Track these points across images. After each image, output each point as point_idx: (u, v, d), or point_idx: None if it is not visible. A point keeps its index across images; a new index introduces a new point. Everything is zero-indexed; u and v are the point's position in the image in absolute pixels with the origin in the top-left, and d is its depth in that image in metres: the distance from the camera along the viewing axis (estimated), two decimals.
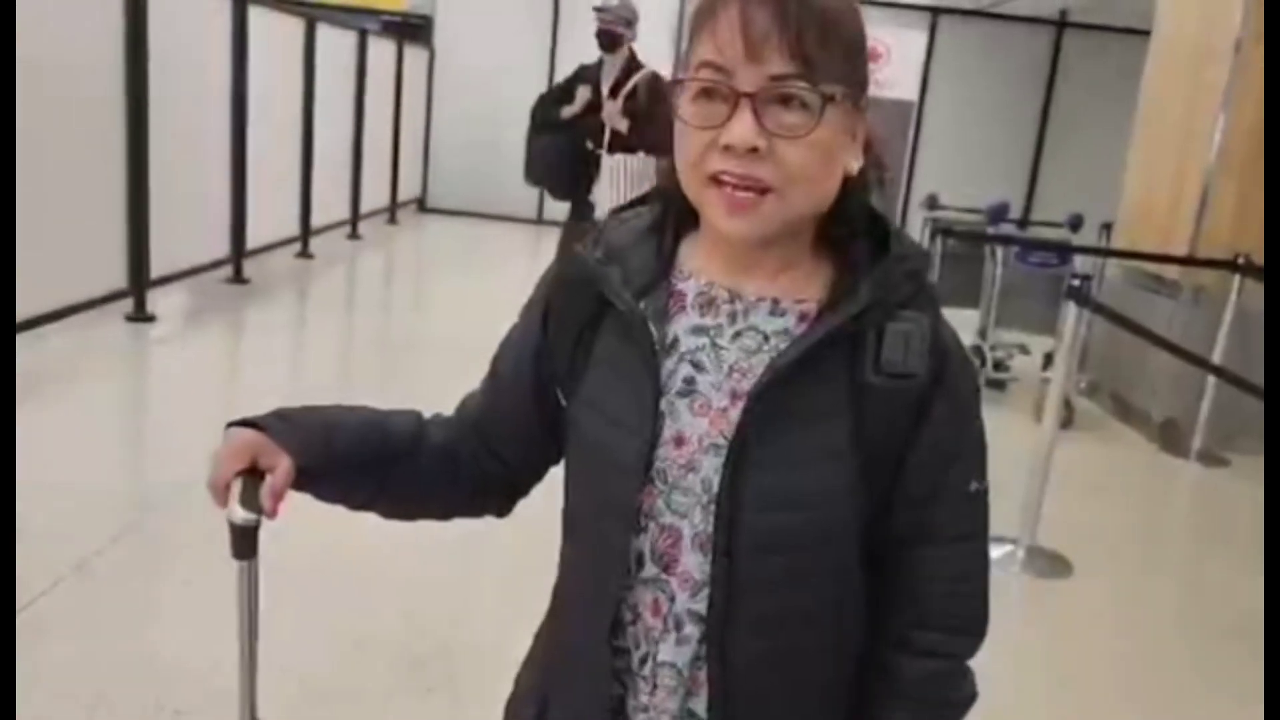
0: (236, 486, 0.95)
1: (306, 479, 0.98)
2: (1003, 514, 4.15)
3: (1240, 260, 5.15)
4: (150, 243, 5.66)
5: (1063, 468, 4.62)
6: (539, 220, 11.65)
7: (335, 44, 8.61)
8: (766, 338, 0.93)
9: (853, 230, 0.94)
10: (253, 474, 0.96)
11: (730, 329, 0.94)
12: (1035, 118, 11.61)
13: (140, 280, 5.63)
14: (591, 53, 4.92)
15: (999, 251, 5.93)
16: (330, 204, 8.73)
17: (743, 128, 0.84)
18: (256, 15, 6.78)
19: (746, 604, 0.92)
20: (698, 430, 0.93)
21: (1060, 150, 11.43)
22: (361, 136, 9.38)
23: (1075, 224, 6.33)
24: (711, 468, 0.92)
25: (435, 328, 6.65)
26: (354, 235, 9.47)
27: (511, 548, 2.47)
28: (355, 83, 9.19)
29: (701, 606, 0.93)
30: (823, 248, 0.96)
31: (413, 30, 11.42)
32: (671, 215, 0.98)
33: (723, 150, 0.86)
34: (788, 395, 0.90)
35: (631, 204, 1.04)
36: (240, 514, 0.93)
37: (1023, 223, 9.78)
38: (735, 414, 0.91)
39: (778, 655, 0.96)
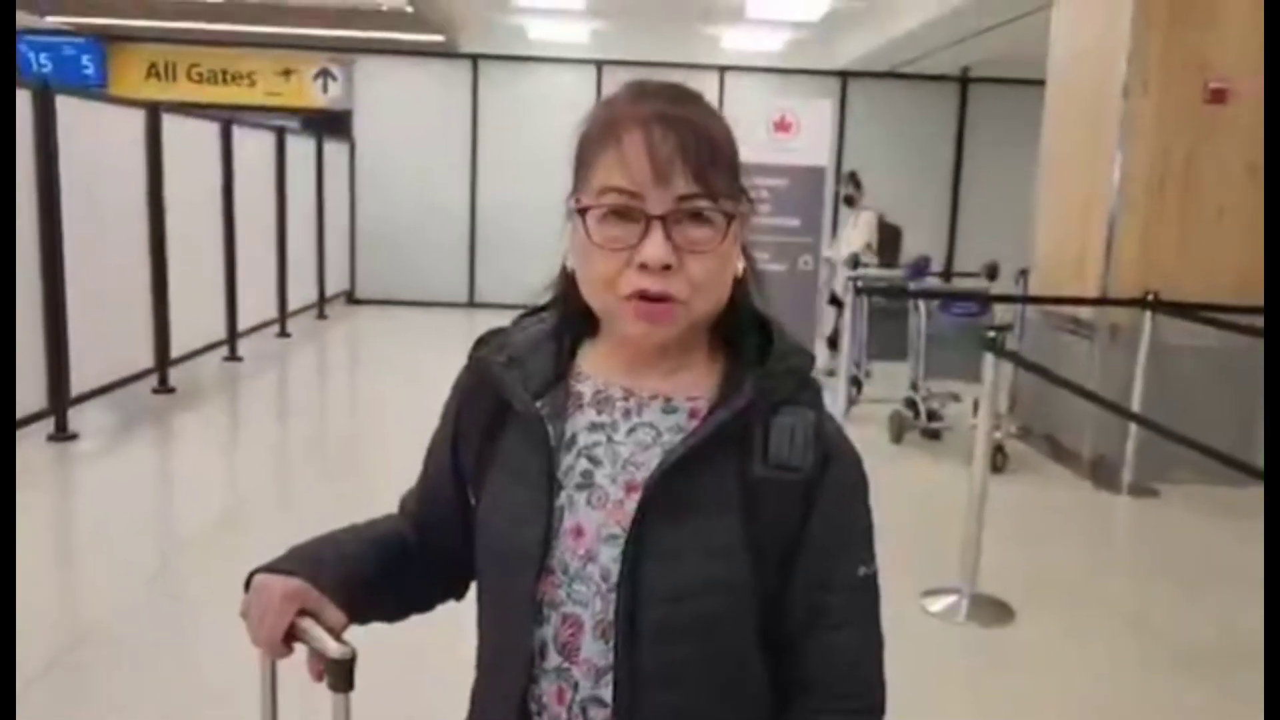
0: (310, 624, 0.96)
1: (352, 612, 1.03)
2: (945, 564, 4.19)
3: (1150, 297, 5.32)
4: (70, 359, 5.54)
5: (1000, 512, 4.67)
6: (471, 303, 11.68)
7: (253, 144, 8.62)
8: (660, 433, 0.98)
9: (742, 330, 1.00)
10: (307, 615, 0.98)
11: (625, 425, 0.99)
12: (949, 172, 11.99)
13: (61, 398, 5.50)
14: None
15: (922, 305, 6.06)
16: (257, 304, 8.65)
17: (656, 248, 0.91)
18: (170, 122, 6.77)
19: (650, 693, 0.95)
20: (595, 521, 0.96)
21: (976, 201, 11.78)
22: (285, 233, 9.35)
23: (992, 272, 6.50)
24: (609, 557, 0.95)
25: (370, 425, 6.59)
26: (283, 333, 9.37)
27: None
28: (275, 181, 9.18)
29: (605, 693, 0.96)
30: (715, 347, 1.02)
31: (332, 124, 11.49)
32: (569, 323, 1.04)
33: (638, 268, 0.91)
34: (681, 488, 0.94)
35: (533, 311, 1.08)
36: (338, 649, 0.94)
37: (946, 274, 10.05)
38: (630, 505, 0.95)
39: None
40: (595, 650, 0.96)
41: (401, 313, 11.24)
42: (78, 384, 5.65)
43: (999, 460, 5.68)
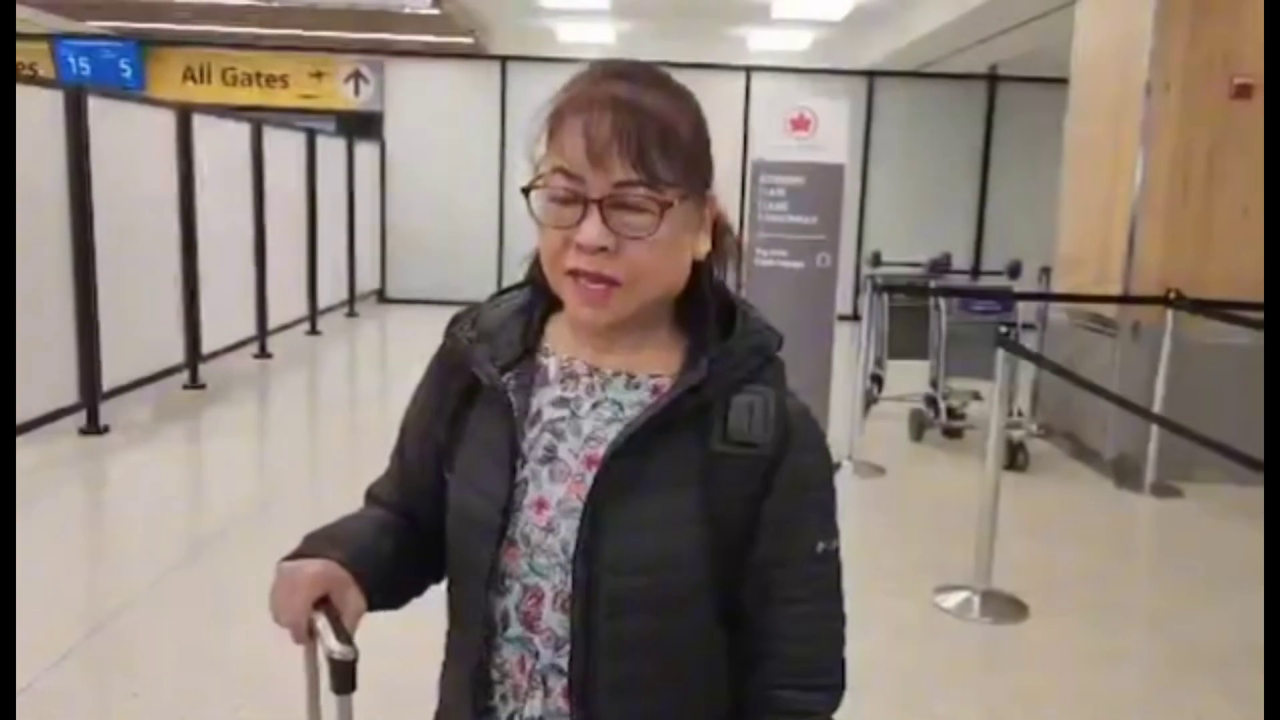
0: (322, 622, 0.95)
1: (374, 594, 1.02)
2: (961, 561, 4.18)
3: (1171, 295, 5.28)
4: (101, 354, 5.67)
5: (1020, 510, 4.68)
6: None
7: (284, 145, 8.75)
8: (622, 408, 1.00)
9: (704, 309, 1.02)
10: (327, 604, 0.97)
11: (589, 400, 1.01)
12: (976, 170, 11.91)
13: (92, 393, 5.63)
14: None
15: (943, 303, 6.05)
16: (287, 302, 8.78)
17: (591, 230, 0.93)
18: (201, 123, 6.90)
19: (607, 664, 0.97)
20: (556, 494, 0.99)
21: (1004, 200, 11.70)
22: (316, 232, 9.48)
23: (1014, 271, 6.47)
24: (569, 530, 0.97)
25: (399, 417, 6.65)
26: (313, 331, 9.50)
27: None
28: (306, 180, 9.31)
29: (565, 662, 0.98)
30: (681, 326, 1.04)
31: (364, 125, 11.63)
32: (539, 298, 1.06)
33: (576, 248, 0.94)
34: (641, 463, 0.96)
35: (508, 289, 1.10)
36: (339, 649, 0.93)
37: (974, 272, 9.98)
38: (590, 478, 0.97)
39: (642, 714, 1.00)
40: (555, 620, 0.98)
41: (431, 311, 11.22)
42: (109, 379, 5.78)
43: (1020, 459, 5.67)
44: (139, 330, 6.20)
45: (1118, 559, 4.66)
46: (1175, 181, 5.41)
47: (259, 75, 12.03)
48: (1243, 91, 5.30)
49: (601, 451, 0.98)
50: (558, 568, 0.98)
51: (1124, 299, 5.51)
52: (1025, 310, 6.40)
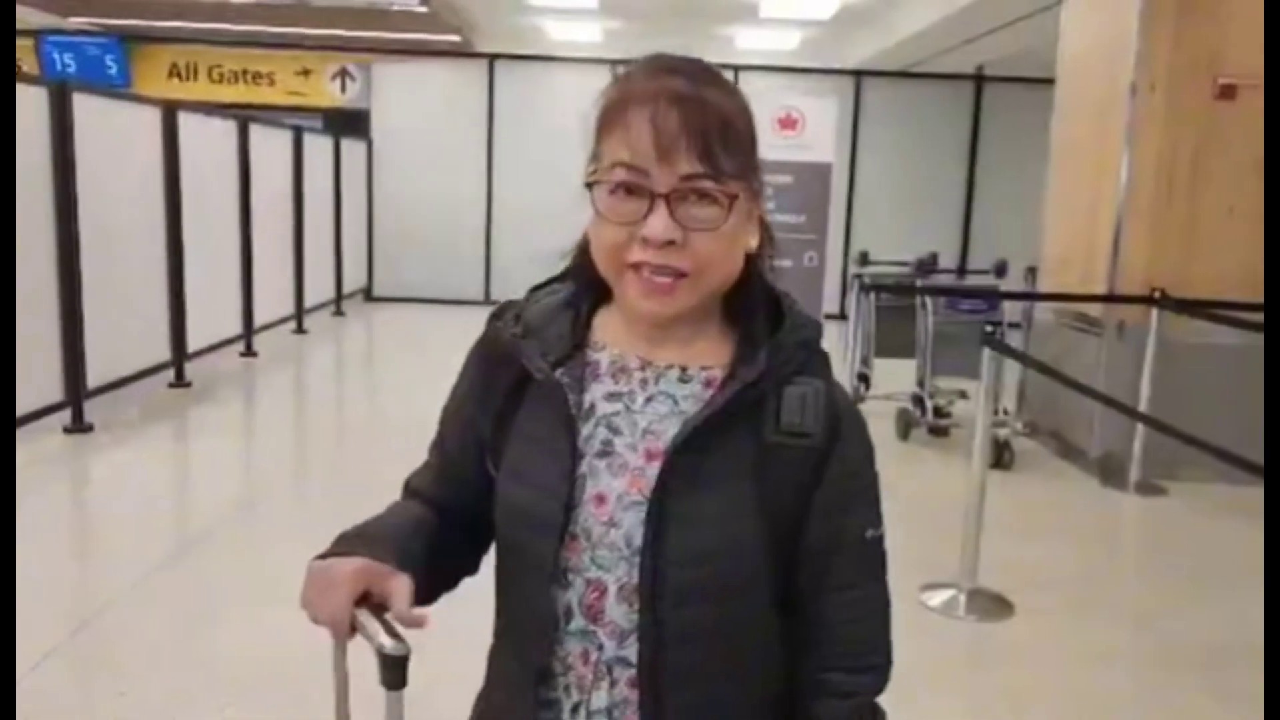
0: (367, 618, 0.94)
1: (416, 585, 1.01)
2: (947, 559, 4.20)
3: (1156, 294, 5.31)
4: (86, 351, 5.64)
5: (1006, 508, 4.69)
6: (487, 301, 11.74)
7: (270, 142, 8.71)
8: (676, 401, 1.02)
9: (753, 303, 1.04)
10: (369, 601, 0.95)
11: (642, 394, 1.03)
12: (963, 170, 11.95)
13: (77, 390, 5.59)
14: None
15: (929, 302, 6.07)
16: (273, 300, 8.75)
17: (660, 224, 0.94)
18: (186, 120, 6.87)
19: (674, 653, 0.99)
20: (616, 489, 1.00)
21: (991, 199, 11.74)
22: (302, 231, 9.45)
23: (1000, 270, 6.50)
24: (632, 523, 0.99)
25: (385, 420, 6.64)
26: (300, 330, 9.47)
27: None
28: (292, 178, 9.28)
29: (629, 653, 1.00)
30: (727, 319, 1.05)
31: (351, 123, 11.59)
32: (585, 292, 1.07)
33: (641, 242, 0.95)
34: (701, 456, 0.98)
35: (547, 282, 1.11)
36: (391, 644, 0.92)
37: (960, 272, 10.02)
38: (651, 472, 0.99)
39: (706, 701, 1.02)
40: (619, 613, 1.00)
41: (418, 310, 11.32)
42: (94, 377, 5.74)
43: (1006, 457, 5.69)
44: (124, 328, 6.16)
45: (1103, 557, 4.68)
46: (1160, 181, 5.44)
47: (245, 73, 11.98)
48: (1227, 92, 5.34)
49: (660, 445, 1.00)
50: (621, 561, 0.99)
51: (1109, 298, 5.54)
52: (1011, 309, 6.43)
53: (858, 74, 11.63)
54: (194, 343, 7.03)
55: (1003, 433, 5.71)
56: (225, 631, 3.29)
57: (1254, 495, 3.88)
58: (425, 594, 1.06)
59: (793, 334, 1.02)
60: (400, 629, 0.95)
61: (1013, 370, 5.93)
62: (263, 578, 3.89)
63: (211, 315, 7.34)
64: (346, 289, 11.01)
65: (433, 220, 11.71)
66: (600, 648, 1.01)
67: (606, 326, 1.06)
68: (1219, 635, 3.71)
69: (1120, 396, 5.18)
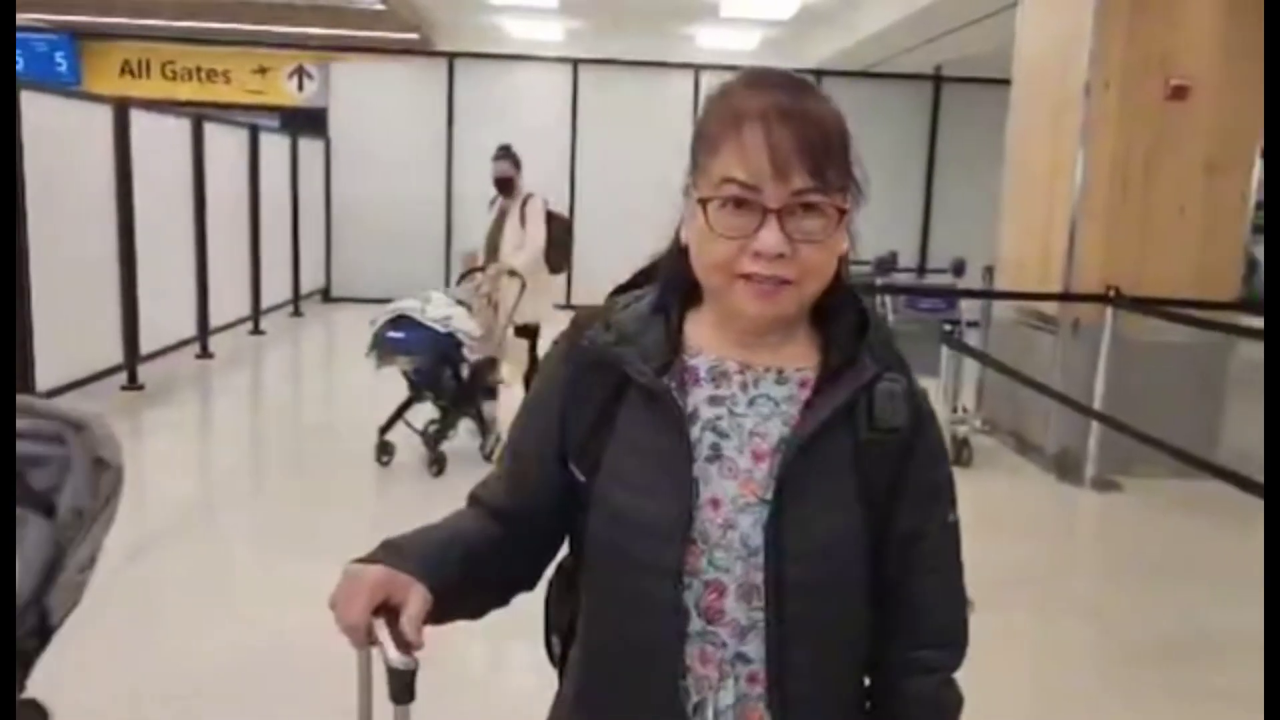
0: (381, 628, 0.94)
1: (441, 598, 0.99)
2: None
3: (1110, 292, 5.38)
4: (35, 354, 5.52)
5: (963, 505, 4.72)
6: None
7: (225, 141, 8.59)
8: (777, 403, 1.06)
9: (842, 306, 1.08)
10: (388, 611, 0.95)
11: (744, 397, 1.06)
12: (923, 169, 12.05)
13: (26, 393, 5.46)
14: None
15: (888, 301, 6.11)
16: (230, 301, 8.62)
17: (773, 238, 0.97)
18: (139, 118, 6.74)
19: (796, 646, 1.03)
20: (729, 492, 1.03)
21: (949, 199, 11.85)
22: (259, 230, 9.32)
23: (958, 269, 6.56)
24: (749, 525, 1.03)
25: (341, 422, 6.57)
26: (257, 331, 9.34)
27: None
28: (249, 178, 9.15)
29: (749, 649, 1.04)
30: (812, 320, 1.09)
31: (309, 121, 11.46)
32: (673, 298, 1.09)
33: (753, 255, 0.98)
34: (808, 456, 1.03)
35: (624, 287, 1.14)
36: (400, 658, 0.92)
37: (920, 271, 10.11)
38: (760, 474, 1.03)
39: (821, 690, 1.07)
40: (739, 611, 1.03)
41: (377, 311, 11.17)
42: (43, 380, 5.61)
43: (965, 454, 5.74)
44: (75, 330, 6.04)
45: (1059, 553, 4.74)
46: (1114, 181, 5.51)
47: (200, 70, 11.80)
48: (1178, 93, 5.42)
49: (766, 446, 1.04)
50: (738, 561, 1.03)
51: (1064, 296, 5.61)
52: (969, 308, 6.49)
53: (818, 73, 11.66)
54: (147, 345, 6.90)
55: (961, 430, 5.76)
56: (179, 633, 3.23)
57: (1205, 490, 3.95)
58: (459, 608, 1.06)
59: (879, 333, 1.07)
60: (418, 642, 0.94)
61: (972, 368, 5.98)
62: (216, 580, 3.83)
63: (165, 317, 7.22)
64: (304, 289, 10.88)
65: (392, 220, 11.60)
66: (723, 645, 1.03)
67: (699, 332, 1.08)
68: (1174, 631, 3.77)
69: (1076, 393, 5.26)
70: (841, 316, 1.08)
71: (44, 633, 1.66)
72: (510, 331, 5.70)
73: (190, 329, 7.85)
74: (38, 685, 1.42)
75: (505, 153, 6.04)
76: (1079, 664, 3.54)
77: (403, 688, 0.92)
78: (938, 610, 1.12)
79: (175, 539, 4.29)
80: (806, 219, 0.98)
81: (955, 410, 5.74)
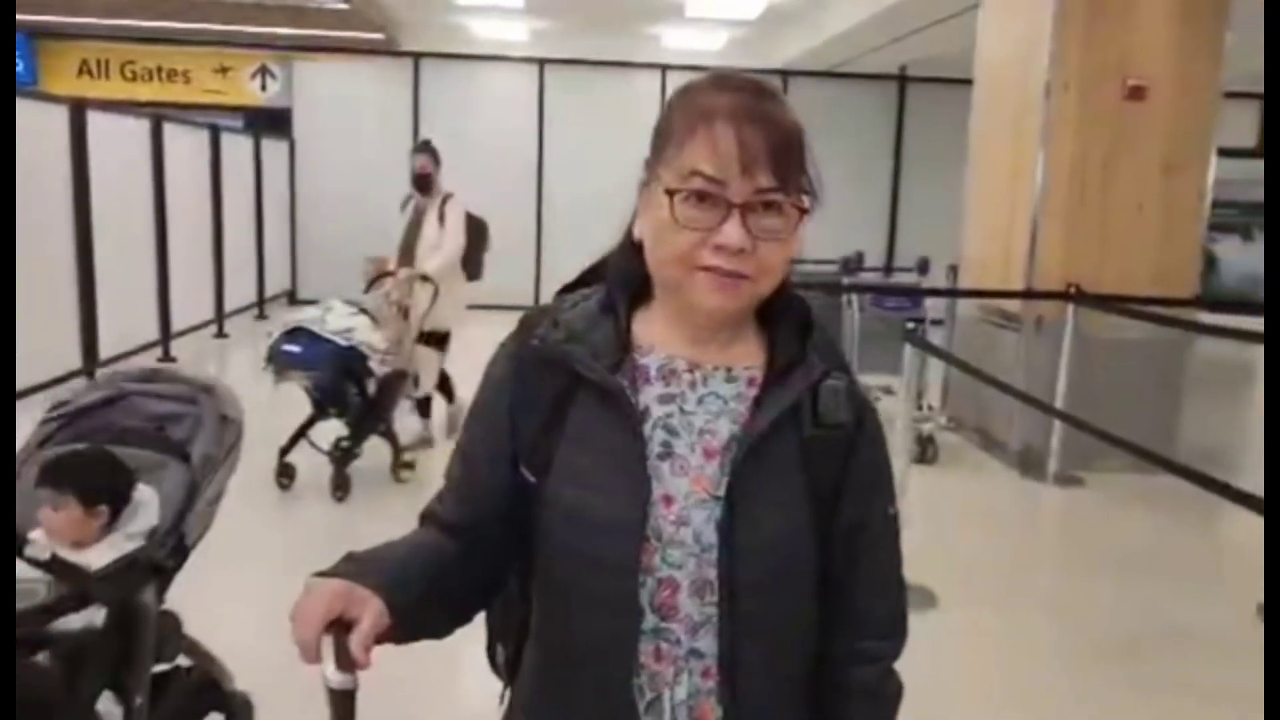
0: (326, 644, 0.89)
1: (400, 616, 0.97)
2: None
3: (1071, 290, 5.45)
4: None
5: (929, 501, 4.77)
6: None
7: (186, 142, 8.49)
8: (726, 401, 1.08)
9: (789, 306, 1.10)
10: (339, 626, 0.90)
11: (693, 395, 1.07)
12: (889, 169, 12.14)
13: None
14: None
15: (854, 300, 6.14)
16: (192, 304, 8.53)
17: (736, 233, 0.99)
18: (96, 119, 6.65)
19: (748, 641, 1.05)
20: (682, 489, 1.05)
21: (914, 197, 11.94)
22: (221, 232, 9.23)
23: (923, 267, 6.61)
24: (701, 521, 1.04)
25: (277, 426, 6.49)
26: (220, 334, 9.24)
27: None
28: (210, 179, 9.05)
29: (702, 644, 1.05)
30: (756, 321, 1.11)
31: (273, 122, 11.35)
32: (621, 295, 1.10)
33: (714, 248, 1.00)
34: (757, 453, 1.04)
35: (573, 285, 1.14)
36: (337, 677, 0.87)
37: (887, 270, 10.17)
38: (711, 470, 1.05)
39: (774, 684, 1.08)
40: (692, 607, 1.04)
41: None
42: None
43: (930, 452, 5.79)
44: (32, 335, 5.91)
45: (1023, 548, 4.79)
46: (1073, 180, 5.58)
47: (160, 70, 11.66)
48: (1135, 93, 5.49)
49: (716, 444, 1.05)
50: (691, 558, 1.04)
51: (1026, 294, 5.67)
52: (935, 306, 6.54)
53: (784, 73, 11.73)
54: (107, 349, 6.80)
55: (927, 427, 5.81)
56: None
57: (1165, 484, 4.00)
58: (422, 627, 1.04)
59: (823, 333, 1.10)
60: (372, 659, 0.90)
61: (938, 366, 6.03)
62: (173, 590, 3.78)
63: (126, 320, 7.13)
64: (269, 291, 10.77)
65: (358, 221, 11.47)
66: (677, 642, 1.04)
67: (648, 330, 1.09)
68: (1136, 624, 3.82)
69: (1039, 390, 5.31)
70: (786, 317, 1.10)
71: (181, 552, 2.13)
72: (414, 339, 5.26)
73: (152, 332, 7.75)
74: None
75: (425, 147, 5.71)
76: (1042, 658, 3.57)
77: (340, 708, 0.88)
78: (879, 601, 1.14)
79: None
80: (768, 217, 1.00)
81: (920, 408, 5.79)
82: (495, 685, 1.24)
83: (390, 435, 5.04)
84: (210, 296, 9.09)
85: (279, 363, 4.67)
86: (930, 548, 4.16)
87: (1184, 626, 3.80)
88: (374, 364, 4.75)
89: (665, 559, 1.04)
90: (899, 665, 1.16)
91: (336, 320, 4.74)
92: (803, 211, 1.03)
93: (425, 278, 5.29)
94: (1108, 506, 5.20)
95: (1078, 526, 5.12)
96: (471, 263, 5.67)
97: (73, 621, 1.96)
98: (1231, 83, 5.88)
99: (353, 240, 11.47)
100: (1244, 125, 11.66)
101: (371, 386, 4.81)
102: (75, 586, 1.91)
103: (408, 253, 5.50)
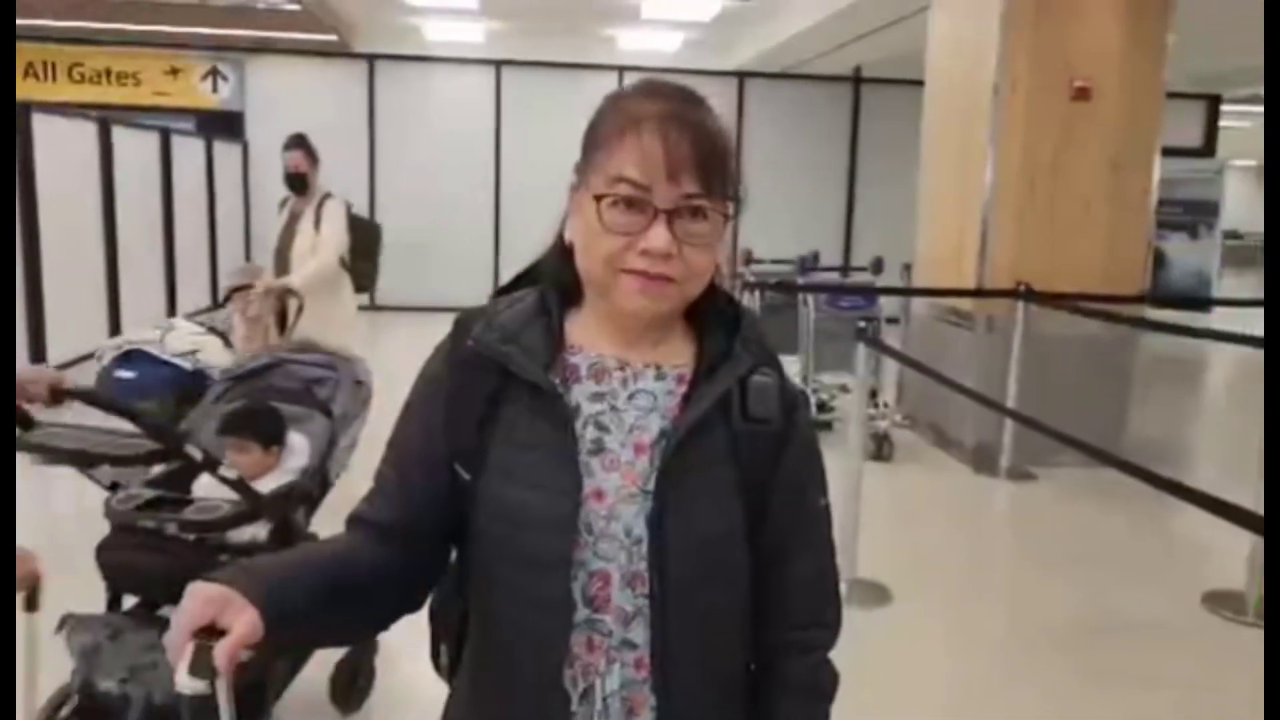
0: (188, 649, 0.88)
1: (279, 625, 0.95)
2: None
3: (1021, 288, 5.53)
4: None
5: (884, 498, 4.82)
6: (372, 306, 11.49)
7: (135, 145, 8.36)
8: (656, 398, 1.10)
9: (719, 306, 1.13)
10: (211, 633, 0.89)
11: (624, 393, 1.10)
12: (844, 169, 12.24)
13: None
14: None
15: (810, 299, 6.19)
16: (143, 310, 8.38)
17: (661, 238, 1.01)
18: (41, 122, 6.53)
19: (679, 632, 1.07)
20: (612, 484, 1.07)
21: (870, 198, 12.06)
22: (173, 236, 9.10)
23: (877, 266, 6.67)
24: (631, 515, 1.06)
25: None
26: None
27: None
28: (161, 182, 8.92)
29: (634, 635, 1.07)
30: (687, 320, 1.14)
31: (226, 125, 11.21)
32: (553, 298, 1.12)
33: (640, 252, 1.02)
34: (687, 447, 1.07)
35: (509, 287, 1.16)
36: (188, 683, 0.86)
37: (844, 269, 10.25)
38: (641, 465, 1.07)
39: (706, 674, 1.11)
40: (624, 599, 1.06)
41: None
42: None
43: (886, 449, 5.85)
44: None
45: (976, 543, 4.85)
46: (1022, 180, 5.66)
47: (109, 72, 11.46)
48: (1082, 93, 5.59)
49: (646, 439, 1.08)
50: (622, 551, 1.06)
51: (977, 293, 5.74)
52: (890, 305, 6.60)
53: (740, 75, 11.79)
54: (55, 356, 6.67)
55: (882, 425, 5.87)
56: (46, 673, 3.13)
57: (1114, 478, 4.08)
58: (310, 635, 1.07)
59: (752, 330, 1.12)
60: (243, 665, 0.90)
61: (893, 364, 6.09)
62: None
63: (74, 327, 7.00)
64: (223, 297, 10.63)
65: None
66: (608, 633, 1.06)
67: (579, 330, 1.11)
68: (1086, 615, 3.88)
69: (992, 387, 5.38)
70: (715, 316, 1.12)
71: (325, 485, 2.69)
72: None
73: (102, 337, 7.60)
74: None
75: (298, 142, 5.10)
76: (994, 649, 3.63)
77: (193, 714, 0.87)
78: (812, 592, 1.16)
79: (82, 559, 4.15)
80: (693, 222, 1.03)
81: (876, 406, 5.85)
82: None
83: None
84: (163, 300, 8.95)
85: (110, 391, 3.96)
86: (885, 544, 4.22)
87: (1131, 617, 3.87)
88: None
89: (596, 552, 1.06)
90: (847, 657, 1.18)
91: (179, 341, 4.34)
92: (727, 217, 1.05)
93: (290, 291, 4.67)
94: (1059, 501, 5.29)
95: (1030, 521, 5.19)
96: (359, 271, 5.14)
97: (244, 533, 2.45)
98: (1174, 83, 6.00)
99: None
100: (1187, 125, 11.94)
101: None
102: (250, 504, 2.39)
103: (282, 261, 4.93)
